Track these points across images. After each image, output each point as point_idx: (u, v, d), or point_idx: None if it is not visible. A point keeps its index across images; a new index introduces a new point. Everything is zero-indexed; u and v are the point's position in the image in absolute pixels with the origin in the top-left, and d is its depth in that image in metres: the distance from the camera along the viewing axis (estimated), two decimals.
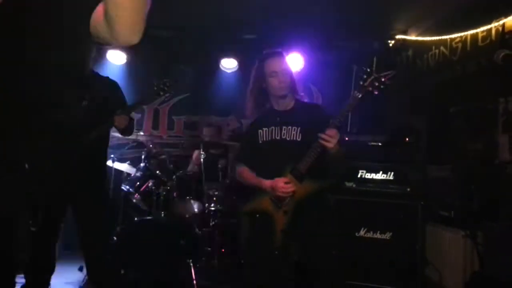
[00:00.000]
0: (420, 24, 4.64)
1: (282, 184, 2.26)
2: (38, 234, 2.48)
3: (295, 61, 5.12)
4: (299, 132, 2.38)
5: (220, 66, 5.46)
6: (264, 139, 2.45)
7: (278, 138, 2.41)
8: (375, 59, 2.25)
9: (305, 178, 2.28)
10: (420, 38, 4.62)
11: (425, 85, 4.44)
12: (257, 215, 2.38)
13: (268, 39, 5.04)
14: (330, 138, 2.17)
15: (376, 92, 2.17)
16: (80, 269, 3.69)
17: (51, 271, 2.74)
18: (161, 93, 2.82)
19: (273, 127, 2.43)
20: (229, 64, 5.45)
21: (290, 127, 2.40)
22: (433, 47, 4.33)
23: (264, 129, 2.46)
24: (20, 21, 1.17)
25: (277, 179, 2.29)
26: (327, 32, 4.83)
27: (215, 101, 5.44)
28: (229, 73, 5.49)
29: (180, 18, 4.72)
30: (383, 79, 2.16)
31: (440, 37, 4.18)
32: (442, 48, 4.18)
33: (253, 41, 5.17)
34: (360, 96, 2.18)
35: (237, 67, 5.45)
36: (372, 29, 4.95)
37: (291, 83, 2.44)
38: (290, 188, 2.26)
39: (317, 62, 5.30)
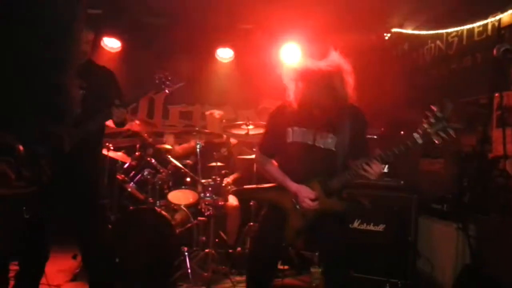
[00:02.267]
0: (416, 17, 4.64)
1: (308, 200, 2.18)
2: (32, 221, 2.48)
3: (292, 52, 5.10)
4: (335, 141, 2.24)
5: (216, 55, 5.43)
6: (294, 139, 2.29)
7: (311, 143, 2.26)
8: (449, 105, 1.99)
9: (334, 195, 2.21)
10: (416, 32, 4.63)
11: (421, 79, 4.46)
12: (273, 208, 2.33)
13: (264, 29, 5.03)
14: (374, 174, 2.07)
15: (436, 142, 1.97)
16: (74, 257, 3.69)
17: (45, 259, 2.74)
18: (163, 86, 2.78)
19: (306, 130, 2.28)
20: (225, 54, 5.42)
21: (325, 133, 2.25)
22: (429, 41, 4.34)
23: (295, 128, 2.29)
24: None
25: (303, 187, 2.21)
26: (324, 23, 4.81)
27: (211, 91, 5.42)
28: (225, 62, 5.46)
29: (176, 6, 4.68)
30: (450, 131, 1.94)
31: (436, 31, 4.20)
32: (438, 42, 4.19)
33: (249, 31, 5.15)
34: (421, 142, 2.00)
35: (233, 56, 5.42)
36: (368, 22, 4.94)
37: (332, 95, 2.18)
38: (314, 205, 2.19)
39: (313, 54, 5.28)
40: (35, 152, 1.11)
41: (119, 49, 5.23)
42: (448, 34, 4.02)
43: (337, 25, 4.85)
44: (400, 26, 4.93)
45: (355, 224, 3.39)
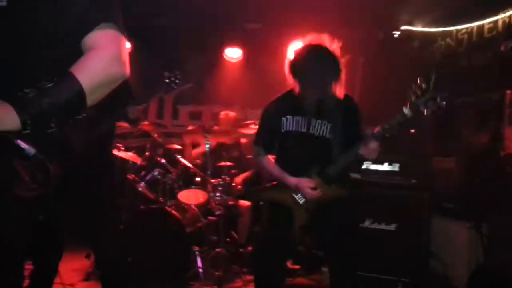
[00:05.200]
0: (426, 15, 4.60)
1: (309, 190, 2.18)
2: (45, 221, 2.50)
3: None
4: (329, 128, 2.24)
5: (225, 55, 5.43)
6: (288, 129, 2.29)
7: (305, 131, 2.26)
8: (433, 75, 2.05)
9: (333, 181, 2.21)
10: (426, 29, 4.60)
11: (431, 76, 4.42)
12: (275, 206, 2.31)
13: (272, 28, 5.02)
14: (372, 152, 2.09)
15: (425, 113, 2.00)
16: (87, 257, 3.72)
17: (58, 258, 2.76)
18: (173, 86, 2.80)
19: (300, 118, 2.27)
20: (233, 53, 5.42)
21: (319, 120, 2.25)
22: (439, 39, 4.30)
23: (289, 117, 2.29)
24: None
25: (302, 179, 2.21)
26: (332, 21, 4.79)
27: (220, 91, 5.43)
28: (234, 62, 5.46)
29: (185, 7, 4.69)
30: (439, 100, 1.98)
31: (446, 29, 4.16)
32: (448, 39, 4.16)
33: (257, 31, 5.15)
34: (411, 115, 2.03)
35: (242, 56, 5.42)
36: (377, 19, 4.92)
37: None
38: (316, 194, 2.19)
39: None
40: (45, 155, 1.12)
41: (129, 50, 5.25)
42: (458, 31, 3.99)
43: (345, 23, 4.84)
44: (410, 24, 4.90)
45: (366, 223, 3.37)
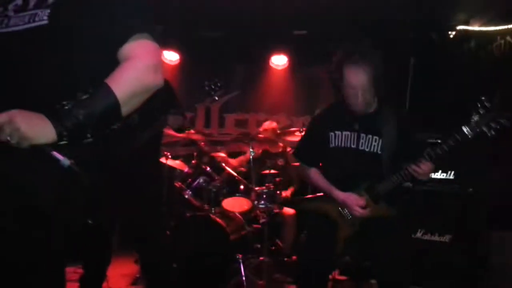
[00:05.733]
0: (483, 13, 4.34)
1: (357, 208, 2.10)
2: (95, 226, 2.60)
3: None
4: (380, 143, 2.13)
5: (270, 63, 5.43)
6: (336, 144, 2.20)
7: (354, 147, 2.16)
8: (499, 93, 1.96)
9: (382, 200, 2.12)
10: (483, 29, 4.31)
11: (490, 77, 4.13)
12: (321, 217, 2.25)
13: (318, 34, 4.95)
14: (425, 174, 1.98)
15: (489, 135, 1.87)
16: (137, 262, 3.82)
17: (108, 263, 2.86)
18: (212, 93, 2.84)
19: (349, 133, 2.17)
20: (279, 61, 5.41)
21: (370, 136, 2.14)
22: (498, 37, 4.01)
23: (337, 132, 2.19)
24: None
25: (351, 195, 2.12)
26: (383, 23, 4.64)
27: (265, 98, 5.42)
28: (280, 70, 5.44)
29: (232, 17, 4.74)
30: (502, 121, 1.85)
31: (505, 27, 3.88)
32: (508, 37, 3.87)
33: (303, 37, 5.10)
34: (471, 136, 1.89)
35: (287, 63, 5.39)
36: (431, 20, 4.70)
37: (370, 98, 2.12)
38: (365, 213, 2.10)
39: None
40: (82, 165, 1.15)
41: (177, 62, 5.43)
42: None
43: (396, 25, 4.68)
44: (466, 24, 4.63)
45: (418, 234, 3.19)
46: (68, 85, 1.18)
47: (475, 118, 1.89)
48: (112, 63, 1.19)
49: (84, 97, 1.13)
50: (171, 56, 5.41)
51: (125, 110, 1.17)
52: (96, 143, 1.18)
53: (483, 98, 1.88)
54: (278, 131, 4.38)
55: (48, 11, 1.17)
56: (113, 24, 1.20)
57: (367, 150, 2.14)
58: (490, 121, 1.86)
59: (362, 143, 2.15)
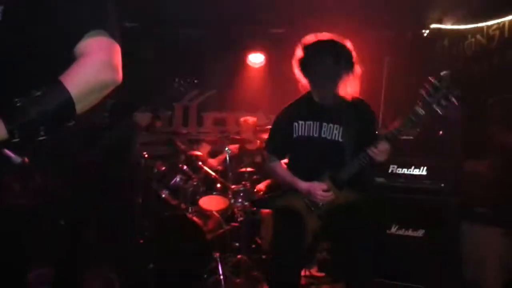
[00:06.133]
0: (455, 12, 4.43)
1: (321, 192, 2.14)
2: (68, 226, 2.56)
3: None
4: (341, 132, 2.19)
5: (248, 61, 5.43)
6: (300, 133, 2.26)
7: (317, 135, 2.22)
8: (448, 72, 2.01)
9: (345, 186, 2.16)
10: (455, 27, 4.41)
11: (461, 76, 4.23)
12: (287, 213, 2.27)
13: (296, 32, 4.96)
14: (382, 153, 2.03)
15: (439, 111, 1.96)
16: None
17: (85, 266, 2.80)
18: (182, 89, 2.82)
19: (311, 122, 2.24)
20: (256, 59, 5.41)
21: (331, 125, 2.21)
22: (469, 36, 4.11)
23: (300, 122, 2.26)
24: None
25: (314, 183, 2.16)
26: (358, 22, 4.69)
27: (243, 97, 5.42)
28: (257, 68, 5.45)
29: (209, 14, 4.71)
30: (451, 98, 1.95)
31: (476, 25, 3.97)
32: (478, 36, 3.96)
33: (281, 35, 5.11)
34: (423, 114, 1.98)
35: (265, 61, 5.40)
36: (405, 19, 4.78)
37: (331, 87, 2.19)
38: (329, 196, 2.14)
39: None
40: (38, 163, 1.13)
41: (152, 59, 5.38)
42: (489, 27, 3.80)
43: (371, 24, 4.73)
44: (439, 22, 4.72)
45: (393, 230, 3.24)
46: (22, 82, 1.16)
47: (427, 97, 1.97)
48: (68, 60, 1.17)
49: (37, 94, 1.10)
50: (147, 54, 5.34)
51: (80, 107, 1.15)
52: (53, 140, 1.16)
53: (431, 79, 1.98)
54: (257, 127, 4.39)
55: (2, 7, 1.16)
56: (68, 21, 1.19)
57: (328, 138, 2.20)
58: (439, 98, 1.94)
59: (324, 131, 2.21)
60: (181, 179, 3.74)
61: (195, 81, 2.94)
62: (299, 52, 2.27)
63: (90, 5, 1.21)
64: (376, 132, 2.29)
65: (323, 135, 2.22)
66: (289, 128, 2.29)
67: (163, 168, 4.02)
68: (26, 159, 1.10)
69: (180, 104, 5.45)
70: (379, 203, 3.07)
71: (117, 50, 1.22)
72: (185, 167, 3.87)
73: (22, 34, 1.18)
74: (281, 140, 2.37)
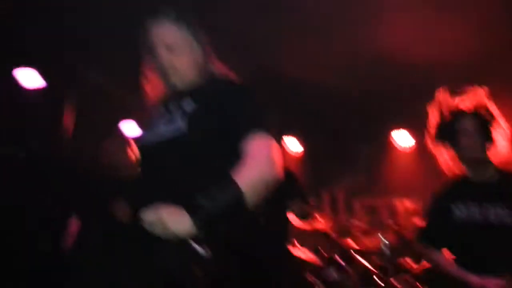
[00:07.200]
0: None
1: None
2: None
3: None
4: (509, 214, 1.88)
5: (393, 141, 5.18)
6: (459, 218, 1.98)
7: (480, 220, 1.94)
8: None
9: None
10: None
11: None
12: None
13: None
14: None
15: None
16: None
17: None
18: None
19: (471, 203, 1.96)
20: (404, 140, 5.14)
21: (495, 206, 1.92)
22: None
23: (460, 205, 1.99)
24: None
25: (489, 280, 1.85)
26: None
27: (395, 181, 5.11)
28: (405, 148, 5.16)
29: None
30: None
31: None
32: None
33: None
34: None
35: (414, 141, 5.09)
36: None
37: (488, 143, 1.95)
38: None
39: None
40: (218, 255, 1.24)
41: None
42: None
43: None
44: None
45: None
46: (197, 180, 1.35)
47: None
48: (234, 156, 1.36)
49: (215, 191, 1.26)
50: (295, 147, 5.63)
51: (250, 203, 1.29)
52: (227, 235, 1.28)
53: None
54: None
55: (187, 121, 1.43)
56: (236, 126, 1.41)
57: (496, 223, 1.90)
58: None
59: (488, 214, 1.92)
60: (335, 272, 3.56)
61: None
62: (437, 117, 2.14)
63: (252, 109, 1.46)
64: None
65: (489, 220, 1.92)
66: (446, 211, 2.03)
67: (316, 259, 3.91)
68: (210, 252, 1.20)
69: (327, 190, 5.39)
70: None
71: (275, 146, 1.39)
72: (339, 258, 3.69)
73: (200, 142, 1.41)
74: (437, 228, 2.11)
